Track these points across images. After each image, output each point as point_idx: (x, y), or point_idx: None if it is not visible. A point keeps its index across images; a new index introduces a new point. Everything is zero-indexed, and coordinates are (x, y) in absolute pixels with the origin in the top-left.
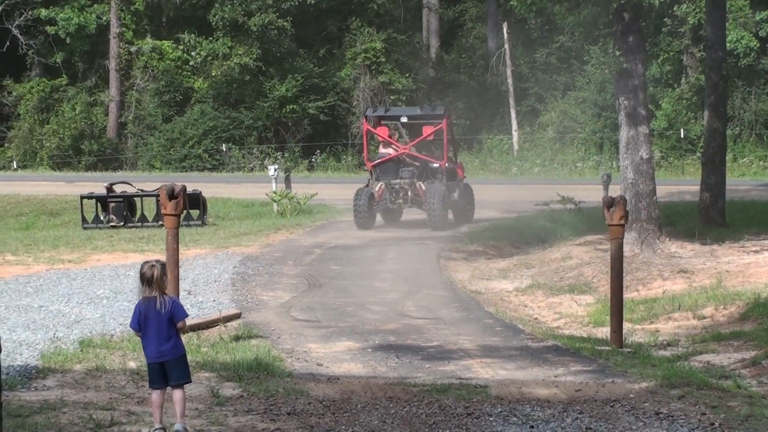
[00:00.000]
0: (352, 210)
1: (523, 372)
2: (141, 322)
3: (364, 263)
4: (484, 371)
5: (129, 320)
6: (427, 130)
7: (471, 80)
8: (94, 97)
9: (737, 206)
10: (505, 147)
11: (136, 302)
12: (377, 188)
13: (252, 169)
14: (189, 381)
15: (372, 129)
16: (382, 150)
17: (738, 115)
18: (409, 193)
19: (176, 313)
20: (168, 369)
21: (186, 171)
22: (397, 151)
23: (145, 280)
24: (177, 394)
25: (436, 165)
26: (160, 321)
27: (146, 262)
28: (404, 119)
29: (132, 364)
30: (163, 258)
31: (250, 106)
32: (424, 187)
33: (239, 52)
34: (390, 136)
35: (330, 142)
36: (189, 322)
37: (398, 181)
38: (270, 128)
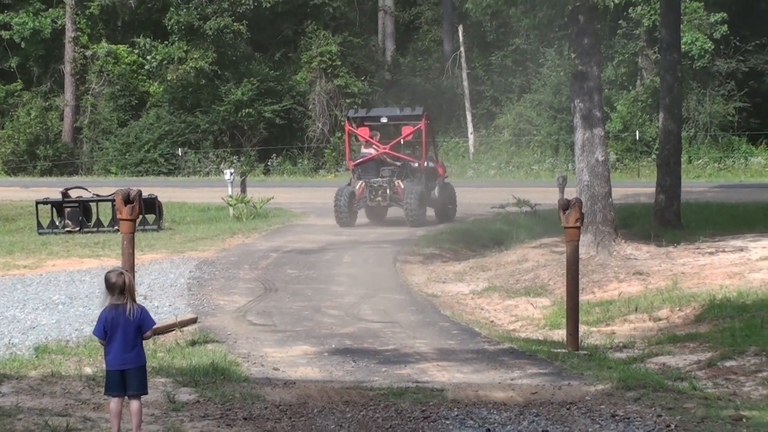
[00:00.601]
0: (333, 208)
1: (479, 375)
2: (107, 329)
3: (321, 267)
4: (441, 374)
5: (85, 326)
6: (406, 131)
7: (427, 83)
8: (50, 102)
9: (692, 208)
10: (461, 150)
11: (101, 309)
12: (358, 187)
13: (208, 174)
14: (146, 393)
15: (353, 129)
16: (363, 150)
17: (693, 117)
18: (388, 191)
19: (145, 321)
20: (128, 378)
21: (142, 175)
22: (377, 150)
23: (116, 288)
24: (134, 404)
25: (415, 164)
26: (127, 329)
27: (113, 270)
28: (384, 120)
29: (88, 370)
30: (119, 264)
31: (205, 110)
32: (402, 186)
33: (195, 56)
34: (371, 137)
35: (286, 145)
36: None
37: (377, 179)
38: (226, 132)
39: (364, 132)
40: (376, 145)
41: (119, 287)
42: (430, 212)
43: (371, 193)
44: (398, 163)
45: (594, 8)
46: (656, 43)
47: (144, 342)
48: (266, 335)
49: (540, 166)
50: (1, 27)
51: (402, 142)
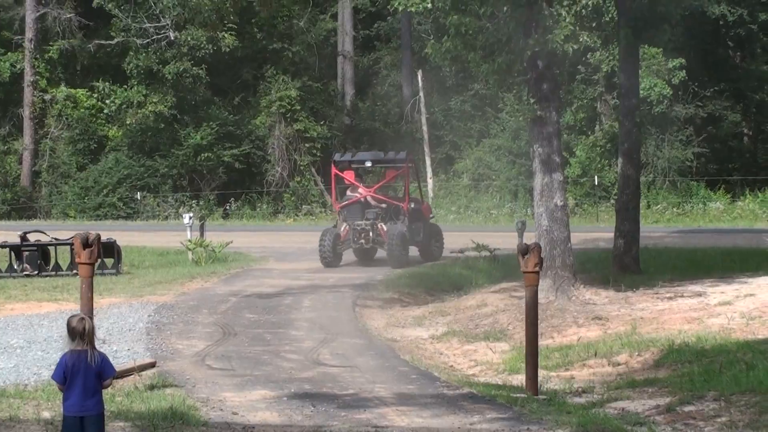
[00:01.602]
0: (318, 250)
1: (438, 420)
2: (67, 374)
3: (280, 311)
4: (400, 419)
5: (43, 370)
6: (390, 174)
7: (386, 128)
8: (8, 146)
9: (651, 253)
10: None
11: (62, 354)
12: (342, 229)
13: (167, 218)
14: None
15: (339, 173)
16: (349, 193)
17: (651, 162)
18: (371, 233)
19: (105, 369)
20: (86, 425)
21: (100, 219)
22: (361, 194)
23: (77, 333)
24: None
25: (398, 207)
26: (88, 375)
27: (74, 316)
28: (369, 163)
29: (46, 414)
30: (77, 308)
31: (164, 154)
32: (385, 228)
33: (154, 100)
34: (356, 180)
35: (245, 189)
36: None
37: (361, 222)
38: (185, 176)
39: (349, 175)
40: (361, 188)
41: (80, 333)
42: (415, 252)
43: (354, 235)
44: (383, 206)
45: (553, 54)
46: (615, 89)
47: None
48: (225, 379)
49: (499, 211)
50: None
51: (386, 185)
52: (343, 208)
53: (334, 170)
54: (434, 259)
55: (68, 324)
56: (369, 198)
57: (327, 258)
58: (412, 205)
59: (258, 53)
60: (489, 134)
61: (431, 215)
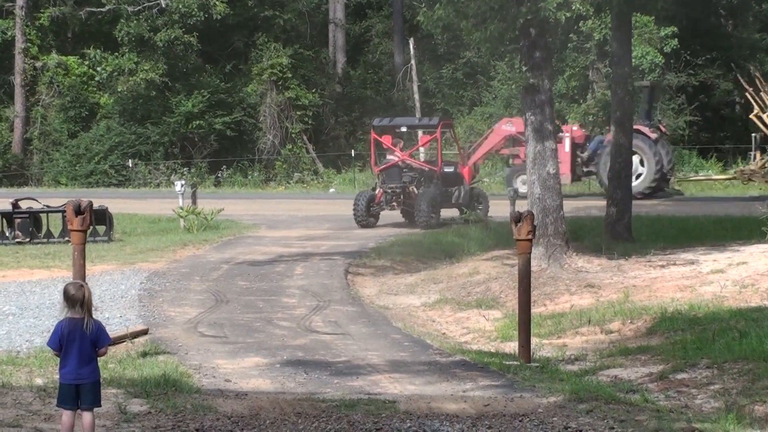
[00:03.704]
0: (352, 211)
1: (431, 387)
2: (62, 341)
3: (272, 279)
4: (393, 386)
5: (35, 337)
6: (424, 139)
7: (377, 96)
8: None
9: (643, 221)
10: None
11: (58, 321)
12: (378, 192)
13: (158, 185)
14: (100, 406)
15: (378, 137)
16: (388, 157)
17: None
18: (401, 196)
19: (101, 338)
20: (82, 392)
21: (92, 187)
22: (398, 157)
23: (76, 300)
24: (87, 417)
25: (432, 170)
26: (83, 343)
27: (72, 283)
28: (404, 129)
29: (39, 381)
30: (70, 275)
31: (156, 121)
32: (416, 191)
33: (145, 68)
34: (393, 144)
35: (237, 157)
36: None
37: (393, 185)
38: (176, 144)
39: (386, 140)
40: (397, 152)
41: (78, 300)
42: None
43: (387, 197)
44: (425, 168)
45: (545, 22)
46: (607, 57)
47: None
48: (217, 347)
49: (491, 179)
50: None
51: (421, 150)
52: (382, 171)
53: (372, 134)
54: (479, 220)
55: (65, 291)
56: (407, 162)
57: (360, 219)
58: (446, 169)
59: (249, 21)
60: (481, 102)
61: (475, 179)
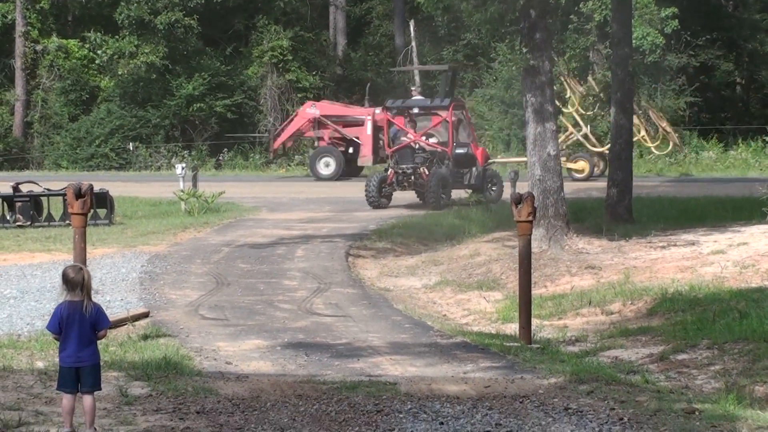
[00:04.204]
0: (364, 192)
1: (432, 369)
2: (62, 325)
3: (273, 261)
4: (394, 368)
5: (36, 320)
6: (435, 120)
7: (378, 78)
8: (0, 97)
9: (644, 202)
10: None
11: (57, 304)
12: (390, 173)
13: (159, 168)
14: (100, 389)
15: (391, 119)
16: (402, 138)
17: (644, 111)
18: (412, 177)
19: (100, 320)
20: (82, 375)
21: (93, 170)
22: (411, 139)
23: (75, 283)
24: (87, 400)
25: (444, 152)
26: (83, 326)
27: (71, 266)
28: (415, 110)
29: (40, 364)
30: (71, 258)
31: (156, 104)
32: (427, 172)
33: (146, 51)
34: (405, 125)
35: (237, 140)
36: None
37: (404, 166)
38: (177, 127)
39: (399, 121)
40: (410, 133)
41: (78, 283)
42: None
43: (398, 178)
44: (439, 149)
45: (545, 3)
46: (607, 38)
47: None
48: (219, 329)
49: (492, 161)
50: None
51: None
52: (395, 152)
53: (385, 116)
54: (491, 201)
55: (65, 274)
56: (419, 143)
57: (371, 200)
58: (458, 150)
59: (250, 3)
60: (482, 84)
61: (489, 160)
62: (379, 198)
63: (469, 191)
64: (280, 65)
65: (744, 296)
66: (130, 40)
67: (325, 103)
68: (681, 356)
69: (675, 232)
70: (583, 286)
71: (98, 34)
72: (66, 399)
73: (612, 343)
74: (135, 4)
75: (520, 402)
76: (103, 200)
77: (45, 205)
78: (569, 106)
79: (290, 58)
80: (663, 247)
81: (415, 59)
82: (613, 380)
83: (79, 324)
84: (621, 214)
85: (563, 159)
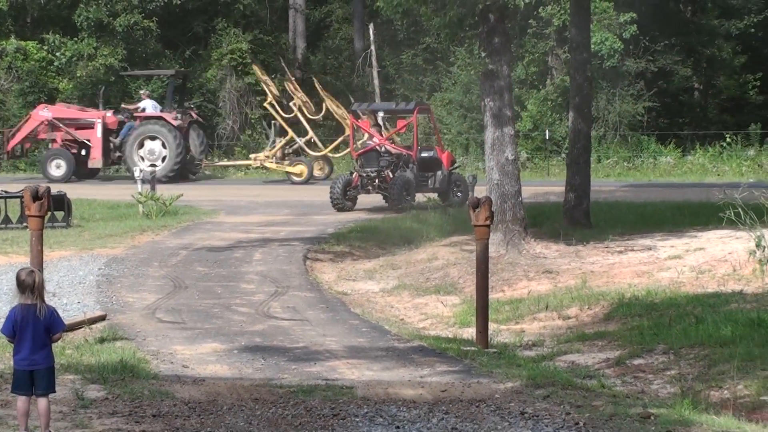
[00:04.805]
0: (329, 195)
1: (389, 373)
2: (16, 328)
3: (231, 264)
4: (351, 372)
5: None
6: (400, 124)
7: (337, 81)
8: None
9: (602, 207)
10: None
11: (11, 308)
12: (354, 176)
13: (117, 170)
14: (54, 392)
15: (356, 122)
16: (367, 141)
17: (602, 116)
18: (376, 180)
19: (54, 323)
20: (36, 378)
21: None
22: (375, 143)
23: (27, 286)
24: (42, 403)
25: (409, 155)
26: (36, 329)
27: (24, 269)
28: (381, 114)
29: None
30: (28, 261)
31: (115, 107)
32: (391, 175)
33: (104, 53)
34: (372, 128)
35: None
36: None
37: (368, 169)
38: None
39: (365, 124)
40: (376, 137)
41: (29, 286)
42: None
43: (363, 181)
44: (404, 153)
45: (504, 7)
46: (566, 43)
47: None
48: (175, 332)
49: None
50: None
51: (399, 135)
52: (360, 155)
53: (351, 119)
54: (457, 205)
55: (17, 277)
56: (384, 146)
57: (336, 203)
58: (423, 154)
59: (209, 6)
60: (440, 88)
61: (455, 164)
62: (344, 201)
63: (430, 195)
64: (240, 68)
65: (700, 301)
66: (89, 42)
67: (60, 105)
68: (637, 361)
69: (632, 237)
70: (541, 291)
71: (57, 35)
72: (21, 402)
73: (569, 347)
74: (94, 6)
75: (477, 406)
76: (60, 203)
77: (2, 207)
78: (297, 110)
79: (249, 61)
80: (620, 252)
81: (374, 62)
82: (569, 385)
83: (33, 327)
84: (579, 218)
85: (285, 164)
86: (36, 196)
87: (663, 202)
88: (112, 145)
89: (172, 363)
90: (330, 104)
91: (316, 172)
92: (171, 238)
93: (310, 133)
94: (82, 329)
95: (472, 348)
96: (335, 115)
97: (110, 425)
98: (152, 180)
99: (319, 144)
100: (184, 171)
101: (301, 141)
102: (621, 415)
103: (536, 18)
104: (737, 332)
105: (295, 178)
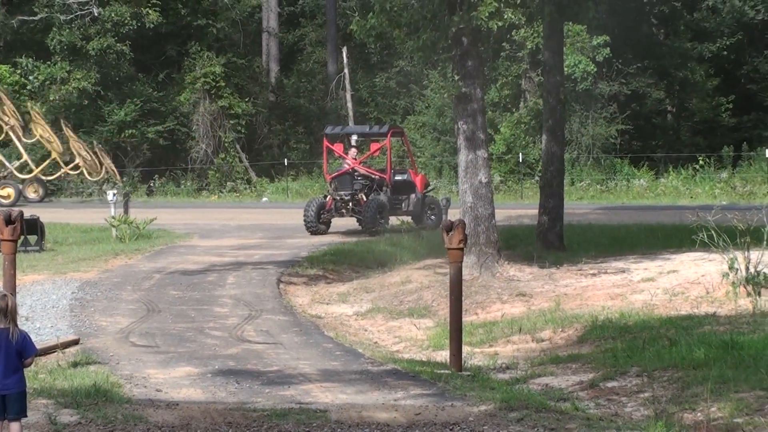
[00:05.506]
0: (303, 218)
1: (363, 396)
2: None
3: (204, 288)
4: (324, 396)
5: None
6: (374, 147)
7: (311, 104)
8: None
9: (575, 229)
10: None
11: None
12: (328, 199)
13: (91, 194)
14: (26, 416)
15: (330, 145)
16: (342, 165)
17: (576, 139)
18: (350, 204)
19: (26, 348)
20: (8, 403)
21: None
22: (349, 166)
23: (0, 310)
24: (14, 428)
25: (383, 179)
26: (9, 353)
27: None
28: (354, 137)
29: None
30: (0, 285)
31: (88, 130)
32: (365, 199)
33: (77, 77)
34: (345, 152)
35: (169, 166)
36: None
37: (342, 192)
38: (109, 153)
39: (338, 148)
40: (348, 160)
41: (2, 310)
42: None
43: (337, 205)
44: (376, 176)
45: (477, 31)
46: (539, 66)
47: None
48: (149, 356)
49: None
50: None
51: (372, 158)
52: (334, 179)
53: (325, 143)
54: (431, 228)
55: None
56: (358, 170)
57: (310, 226)
58: (397, 177)
59: (182, 29)
60: (414, 111)
61: (429, 187)
62: (318, 224)
63: (404, 218)
64: (213, 91)
65: (673, 324)
66: (62, 66)
67: None
68: (611, 383)
69: (606, 260)
70: (514, 314)
71: (30, 59)
72: None
73: (542, 370)
74: (67, 30)
75: (450, 429)
76: (33, 227)
77: None
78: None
79: (223, 84)
80: (594, 275)
81: (347, 86)
82: (543, 408)
83: (5, 351)
84: (552, 241)
85: None
86: (9, 220)
87: (636, 224)
88: None
89: (145, 387)
90: (40, 130)
91: (31, 195)
92: (144, 262)
93: (25, 157)
94: (55, 353)
95: (446, 371)
96: (41, 140)
97: None
98: (125, 203)
99: (33, 166)
100: None
101: (11, 165)
102: None
103: (509, 41)
104: (710, 354)
105: (3, 201)
